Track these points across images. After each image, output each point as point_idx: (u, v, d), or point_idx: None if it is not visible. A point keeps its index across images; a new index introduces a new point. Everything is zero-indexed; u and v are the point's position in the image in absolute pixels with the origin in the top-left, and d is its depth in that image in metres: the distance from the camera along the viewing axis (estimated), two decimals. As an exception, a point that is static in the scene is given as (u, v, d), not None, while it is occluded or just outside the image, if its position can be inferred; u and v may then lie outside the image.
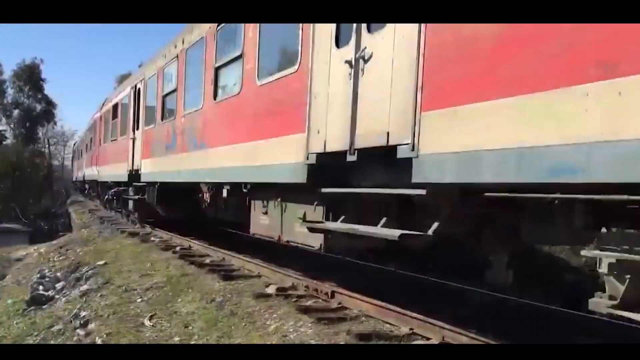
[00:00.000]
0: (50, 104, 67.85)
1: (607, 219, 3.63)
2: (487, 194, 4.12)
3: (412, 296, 6.66)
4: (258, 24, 7.61)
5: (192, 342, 6.20)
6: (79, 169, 38.57)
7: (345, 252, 7.47)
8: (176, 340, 6.41)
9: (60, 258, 15.70)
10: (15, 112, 66.07)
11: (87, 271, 11.61)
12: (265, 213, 7.86)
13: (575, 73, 3.29)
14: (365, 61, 5.26)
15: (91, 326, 7.94)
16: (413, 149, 4.56)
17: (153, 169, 13.28)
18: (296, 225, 6.73)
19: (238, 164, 8.11)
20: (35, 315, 10.62)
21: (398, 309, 5.79)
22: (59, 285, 12.18)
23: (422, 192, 4.65)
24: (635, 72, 2.97)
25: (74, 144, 52.02)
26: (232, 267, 9.40)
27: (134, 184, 15.58)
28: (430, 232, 4.81)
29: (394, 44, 4.87)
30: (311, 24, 6.19)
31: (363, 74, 5.30)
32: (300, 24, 6.41)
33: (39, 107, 67.16)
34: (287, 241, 7.22)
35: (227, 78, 8.85)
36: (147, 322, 7.27)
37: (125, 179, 16.31)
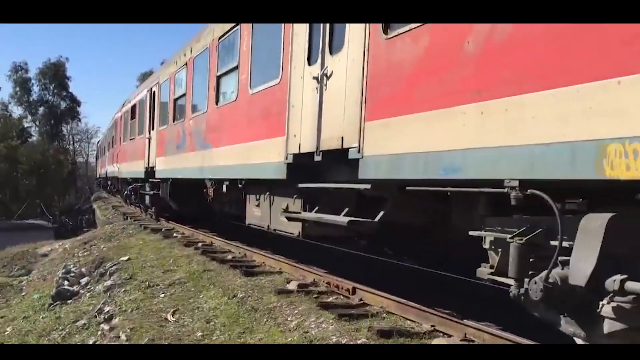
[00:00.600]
0: (74, 102, 69.95)
1: (494, 207, 4.75)
2: (408, 187, 5.27)
3: (433, 293, 6.84)
4: (251, 39, 8.83)
5: (214, 338, 6.34)
6: (102, 166, 40.12)
7: (319, 238, 8.57)
8: (198, 335, 6.55)
9: (85, 254, 16.21)
10: (41, 109, 68.19)
11: (111, 267, 11.82)
12: (258, 205, 9.07)
13: (459, 96, 4.42)
14: (327, 78, 6.44)
15: (115, 321, 8.08)
16: (359, 152, 5.72)
17: (166, 167, 14.61)
18: (280, 216, 7.92)
19: (235, 163, 9.34)
20: (60, 310, 10.98)
21: (419, 306, 5.92)
22: (83, 281, 12.54)
23: (368, 186, 5.82)
24: (492, 97, 4.09)
25: (98, 142, 53.79)
26: (254, 263, 9.65)
27: (150, 180, 16.95)
28: (376, 219, 5.97)
29: (347, 65, 6.04)
30: (290, 43, 7.38)
31: (326, 88, 6.48)
32: (282, 42, 7.60)
33: (63, 104, 69.28)
34: (275, 229, 8.42)
35: (227, 86, 10.08)
36: (170, 318, 7.40)
37: (142, 175, 17.71)
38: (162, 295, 8.62)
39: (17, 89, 66.32)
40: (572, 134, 3.42)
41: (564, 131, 3.48)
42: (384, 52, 5.40)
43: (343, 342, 5.31)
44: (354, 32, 5.90)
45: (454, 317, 5.49)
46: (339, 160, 6.42)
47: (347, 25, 6.03)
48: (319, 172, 7.22)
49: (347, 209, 6.58)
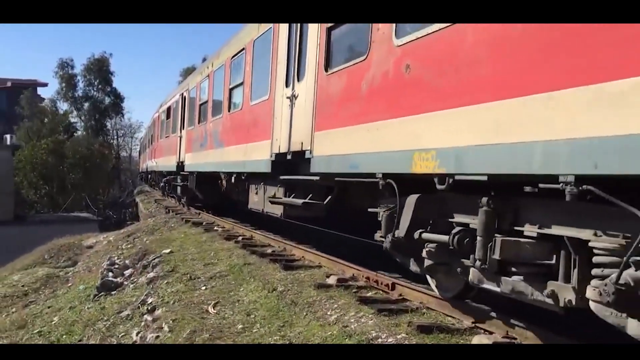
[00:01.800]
0: (118, 97, 73.22)
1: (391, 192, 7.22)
2: (336, 178, 7.80)
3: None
4: (251, 62, 11.47)
5: (254, 330, 6.62)
6: (144, 160, 43.09)
7: (296, 218, 11.12)
8: (239, 327, 6.79)
9: (128, 246, 17.04)
10: (86, 105, 70.85)
11: (154, 259, 12.28)
12: (256, 193, 11.70)
13: (358, 118, 6.93)
14: (295, 98, 9.01)
15: (158, 312, 8.38)
16: (311, 153, 8.27)
17: (193, 161, 17.45)
18: (267, 200, 10.53)
19: (240, 159, 12.00)
20: (105, 300, 11.60)
21: (460, 302, 6.23)
22: (127, 272, 13.14)
23: (317, 178, 8.35)
24: (372, 120, 6.59)
25: (140, 138, 56.91)
26: (293, 257, 10.06)
27: (181, 173, 19.84)
28: (324, 202, 8.52)
29: (306, 90, 8.59)
30: (275, 69, 9.96)
31: (294, 106, 9.05)
32: (270, 67, 10.19)
33: (107, 100, 72.64)
34: (266, 212, 11.01)
35: (236, 97, 12.76)
36: (211, 310, 7.68)
37: (175, 169, 20.64)
38: (203, 287, 9.00)
39: (63, 84, 69.97)
40: (401, 146, 5.91)
41: (399, 143, 5.96)
42: (325, 84, 7.94)
43: (383, 336, 5.55)
44: (310, 67, 8.45)
45: (495, 314, 5.77)
46: (303, 159, 8.99)
47: (307, 61, 8.59)
48: (295, 167, 9.78)
49: (310, 195, 9.14)
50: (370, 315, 6.15)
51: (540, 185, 4.22)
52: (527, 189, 4.49)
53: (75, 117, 70.07)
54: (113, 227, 30.60)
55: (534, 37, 4.22)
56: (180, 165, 19.58)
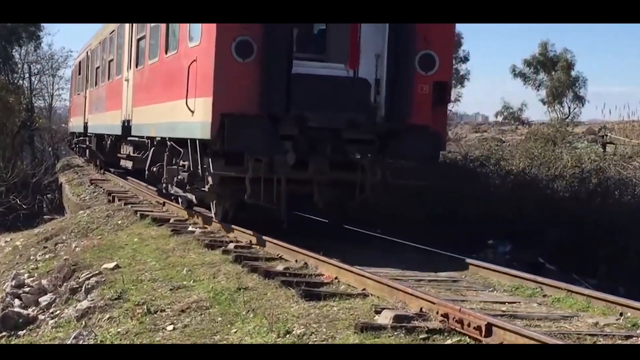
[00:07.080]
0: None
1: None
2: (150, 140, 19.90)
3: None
4: (116, 45, 23.59)
5: None
6: (69, 119, 47.00)
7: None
8: None
9: (46, 256, 17.72)
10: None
11: (88, 279, 12.67)
12: (123, 152, 23.80)
13: (142, 102, 18.96)
14: (128, 81, 21.07)
15: None
16: (131, 122, 20.35)
17: (92, 123, 29.73)
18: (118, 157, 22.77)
19: (110, 123, 24.13)
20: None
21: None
22: (44, 300, 13.44)
23: (136, 139, 20.42)
24: (144, 104, 18.60)
25: (69, 81, 56.68)
26: (320, 279, 10.39)
27: (87, 134, 32.01)
28: (143, 156, 20.58)
29: (131, 77, 20.65)
30: (125, 55, 21.99)
31: (129, 86, 21.10)
32: (124, 53, 22.23)
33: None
34: (125, 167, 23.14)
35: (111, 69, 24.85)
36: None
37: (82, 129, 32.86)
38: (170, 327, 9.35)
39: None
40: (148, 121, 17.92)
41: (148, 119, 17.97)
42: (136, 76, 19.96)
43: None
44: (132, 62, 20.41)
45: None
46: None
47: (132, 56, 20.52)
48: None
49: (143, 151, 21.15)
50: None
51: (168, 142, 16.18)
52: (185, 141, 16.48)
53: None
54: (21, 225, 31.94)
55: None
56: (86, 127, 31.62)
